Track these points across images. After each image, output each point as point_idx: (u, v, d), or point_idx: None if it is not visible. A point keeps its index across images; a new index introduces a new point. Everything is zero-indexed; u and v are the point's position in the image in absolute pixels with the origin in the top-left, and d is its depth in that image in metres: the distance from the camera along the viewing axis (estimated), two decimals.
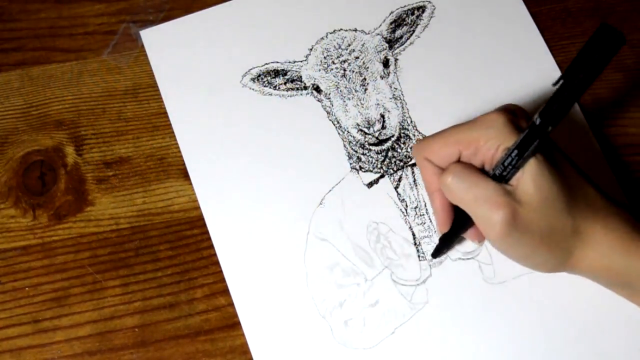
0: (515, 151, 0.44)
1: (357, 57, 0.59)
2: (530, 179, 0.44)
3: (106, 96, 0.59)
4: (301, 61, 0.59)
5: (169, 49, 0.60)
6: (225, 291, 0.53)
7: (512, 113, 0.47)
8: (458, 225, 0.50)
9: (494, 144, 0.46)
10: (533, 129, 0.43)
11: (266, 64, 0.59)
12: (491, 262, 0.53)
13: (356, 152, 0.57)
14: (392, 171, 0.56)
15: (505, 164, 0.45)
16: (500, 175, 0.45)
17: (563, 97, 0.41)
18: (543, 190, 0.44)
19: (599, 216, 0.46)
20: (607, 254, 0.46)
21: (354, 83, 0.58)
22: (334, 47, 0.59)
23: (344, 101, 0.58)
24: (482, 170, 0.47)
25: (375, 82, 0.58)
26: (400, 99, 0.58)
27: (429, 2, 0.61)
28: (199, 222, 0.55)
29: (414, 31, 0.60)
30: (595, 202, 0.47)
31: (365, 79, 0.58)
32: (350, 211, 0.55)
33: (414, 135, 0.57)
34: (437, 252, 0.53)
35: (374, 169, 0.56)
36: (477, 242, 0.52)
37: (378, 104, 0.57)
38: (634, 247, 0.46)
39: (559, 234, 0.46)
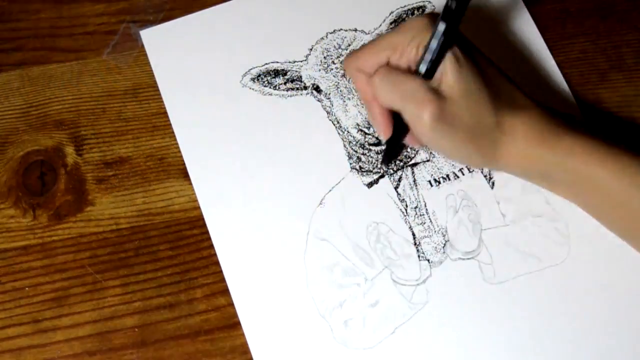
0: (431, 44, 0.46)
1: None
2: (451, 74, 0.47)
3: (106, 96, 0.59)
4: (301, 61, 0.59)
5: (169, 49, 0.60)
6: (225, 291, 0.53)
7: (435, 17, 0.49)
8: (398, 130, 0.51)
9: (416, 44, 0.48)
10: (442, 17, 0.46)
11: (266, 64, 0.59)
12: (491, 262, 0.53)
13: (356, 152, 0.57)
14: (392, 171, 0.56)
15: (425, 59, 0.47)
16: (424, 72, 0.48)
17: None
18: (464, 84, 0.47)
19: (519, 111, 0.50)
20: (526, 147, 0.49)
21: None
22: (334, 47, 0.59)
23: (344, 101, 0.58)
24: (409, 72, 0.49)
25: None
26: None
27: (429, 2, 0.61)
28: (199, 222, 0.55)
29: None
30: (516, 98, 0.50)
31: None
32: (350, 211, 0.55)
33: None
34: (386, 159, 0.54)
35: (374, 169, 0.56)
36: (417, 145, 0.53)
37: None
38: (550, 139, 0.49)
39: (484, 128, 0.49)
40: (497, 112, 0.49)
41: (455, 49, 0.47)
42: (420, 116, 0.47)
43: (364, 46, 0.51)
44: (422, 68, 0.48)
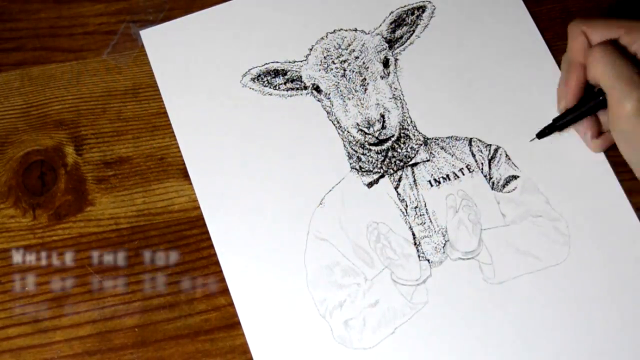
0: None
1: (357, 57, 0.59)
2: None
3: (106, 96, 0.59)
4: (301, 61, 0.59)
5: (169, 49, 0.60)
6: (225, 291, 0.53)
7: None
8: (582, 107, 0.52)
9: None
10: None
11: (266, 64, 0.59)
12: (491, 262, 0.53)
13: (356, 152, 0.57)
14: (392, 171, 0.56)
15: None
16: None
17: None
18: None
19: None
20: None
21: (354, 83, 0.58)
22: (334, 47, 0.59)
23: (344, 101, 0.58)
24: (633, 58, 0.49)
25: (375, 82, 0.58)
26: (400, 99, 0.58)
27: (429, 2, 0.61)
28: (199, 222, 0.55)
29: (414, 31, 0.60)
30: None
31: (365, 79, 0.58)
32: (350, 211, 0.55)
33: (414, 135, 0.57)
34: (545, 131, 0.54)
35: (374, 169, 0.56)
36: (590, 135, 0.53)
37: (378, 104, 0.57)
38: None
39: None
40: None
41: None
42: (628, 97, 0.47)
43: (599, 17, 0.52)
44: None
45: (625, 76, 0.48)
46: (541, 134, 0.55)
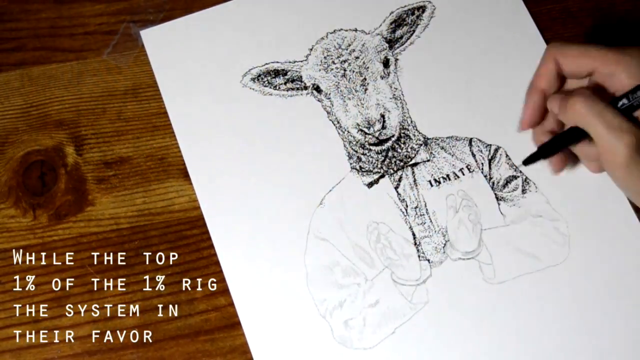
0: None
1: (357, 57, 0.59)
2: None
3: (106, 96, 0.59)
4: (301, 61, 0.59)
5: (169, 49, 0.60)
6: (225, 291, 0.53)
7: None
8: (565, 139, 0.51)
9: (632, 76, 0.47)
10: None
11: (266, 64, 0.59)
12: (491, 262, 0.53)
13: (356, 152, 0.57)
14: (392, 171, 0.56)
15: (636, 97, 0.47)
16: (629, 106, 0.47)
17: None
18: None
19: None
20: None
21: (354, 83, 0.58)
22: (334, 47, 0.59)
23: (344, 101, 0.58)
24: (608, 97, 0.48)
25: (376, 82, 0.58)
26: (400, 99, 0.58)
27: (429, 2, 0.61)
28: (199, 222, 0.55)
29: (414, 31, 0.60)
30: None
31: (365, 79, 0.58)
32: (350, 211, 0.55)
33: (414, 135, 0.57)
34: (531, 160, 0.52)
35: (374, 169, 0.56)
36: (557, 170, 0.53)
37: (378, 104, 0.57)
38: None
39: None
40: None
41: None
42: (620, 146, 0.46)
43: (576, 44, 0.50)
44: (627, 101, 0.47)
45: (613, 124, 0.46)
46: (525, 161, 0.53)
